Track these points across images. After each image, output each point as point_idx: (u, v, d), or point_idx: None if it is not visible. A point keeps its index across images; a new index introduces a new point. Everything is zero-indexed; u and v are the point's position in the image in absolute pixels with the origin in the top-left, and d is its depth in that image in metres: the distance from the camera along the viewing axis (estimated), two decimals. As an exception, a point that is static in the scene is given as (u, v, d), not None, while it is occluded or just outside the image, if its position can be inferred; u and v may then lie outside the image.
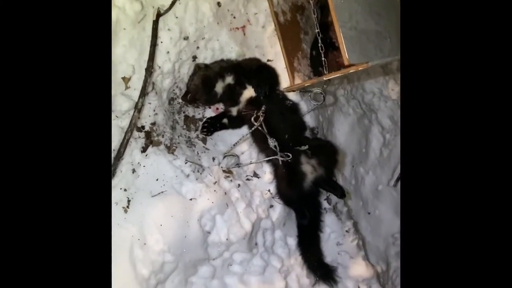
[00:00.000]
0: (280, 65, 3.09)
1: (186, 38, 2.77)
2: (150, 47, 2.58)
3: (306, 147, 2.93)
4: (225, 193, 2.79)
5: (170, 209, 2.55)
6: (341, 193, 3.07)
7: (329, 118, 3.50)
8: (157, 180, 2.61)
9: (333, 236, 3.20)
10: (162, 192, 2.56)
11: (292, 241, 2.98)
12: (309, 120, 3.23)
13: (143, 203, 2.49)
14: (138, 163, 2.58)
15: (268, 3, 3.06)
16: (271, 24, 3.11)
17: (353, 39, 2.46)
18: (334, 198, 3.27)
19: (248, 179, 3.03)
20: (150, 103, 2.70)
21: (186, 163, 2.73)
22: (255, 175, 3.05)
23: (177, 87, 2.92)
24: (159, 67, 2.71)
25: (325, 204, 3.25)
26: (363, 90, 3.86)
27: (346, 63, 2.41)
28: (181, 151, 2.77)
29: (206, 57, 2.93)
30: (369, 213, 3.60)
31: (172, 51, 2.73)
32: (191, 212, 2.61)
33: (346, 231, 3.23)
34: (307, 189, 2.98)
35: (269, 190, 3.03)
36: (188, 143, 2.90)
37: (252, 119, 2.75)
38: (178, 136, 2.87)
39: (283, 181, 2.96)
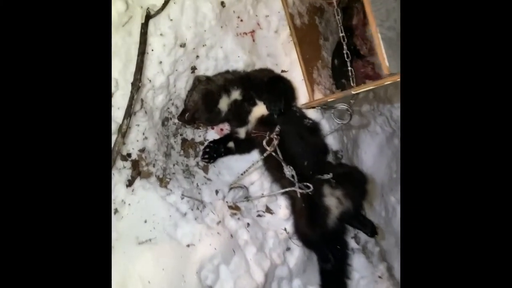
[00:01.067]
0: (296, 76, 2.59)
1: (183, 45, 2.28)
2: (138, 56, 2.10)
3: (330, 175, 2.44)
4: (231, 235, 2.25)
5: (162, 260, 2.03)
6: (371, 230, 2.58)
7: (354, 139, 2.97)
8: (145, 222, 2.10)
9: (363, 283, 2.66)
10: (151, 239, 2.02)
11: (314, 292, 2.46)
12: (332, 142, 2.70)
13: (126, 253, 2.01)
14: (122, 200, 2.09)
15: (282, 3, 2.57)
16: (285, 29, 2.62)
17: (392, 42, 1.95)
18: (363, 236, 2.74)
19: (259, 216, 2.49)
20: (138, 125, 2.21)
21: (182, 198, 2.21)
22: (268, 210, 2.52)
23: (172, 104, 2.42)
24: (150, 80, 2.21)
25: (352, 243, 2.73)
26: (391, 105, 3.36)
27: (386, 72, 1.90)
28: (176, 184, 2.25)
29: (207, 68, 2.44)
30: (403, 252, 3.01)
31: (165, 61, 2.24)
32: (188, 263, 2.09)
33: (379, 276, 2.69)
34: (331, 227, 2.48)
35: (285, 229, 2.50)
36: (186, 172, 2.37)
37: (264, 142, 2.24)
38: (174, 165, 2.35)
39: (302, 218, 2.44)
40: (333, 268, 2.53)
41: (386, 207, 3.08)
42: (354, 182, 2.53)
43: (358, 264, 2.68)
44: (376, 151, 3.07)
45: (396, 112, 3.34)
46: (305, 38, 2.62)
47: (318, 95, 2.56)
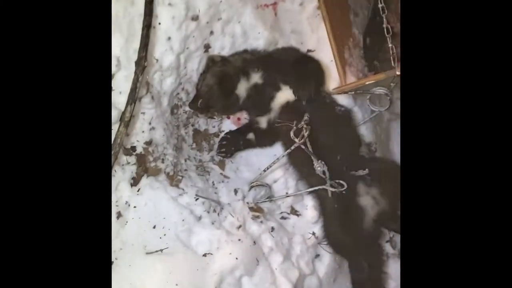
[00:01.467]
0: (325, 57, 2.24)
1: (195, 19, 1.93)
2: (143, 30, 1.77)
3: (366, 171, 2.10)
4: (254, 242, 1.93)
5: (175, 273, 1.73)
6: (411, 233, 2.23)
7: (386, 129, 2.62)
8: (154, 228, 1.78)
9: (400, 292, 2.31)
10: (162, 249, 1.69)
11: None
12: (364, 132, 2.35)
13: (132, 266, 1.73)
14: (126, 202, 1.80)
15: (308, -30, 2.20)
16: (312, 0, 2.27)
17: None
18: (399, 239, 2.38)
19: (283, 218, 2.16)
20: (143, 113, 1.88)
21: (196, 199, 1.89)
22: (294, 211, 2.20)
23: (182, 89, 2.08)
24: (157, 60, 1.88)
25: (387, 247, 2.37)
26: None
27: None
28: (189, 182, 1.93)
29: (223, 47, 2.10)
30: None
31: (175, 37, 1.90)
32: (206, 276, 1.79)
33: (418, 285, 2.33)
34: (366, 230, 2.14)
35: (313, 233, 2.18)
36: (200, 169, 2.05)
37: (292, 133, 1.90)
38: (185, 160, 2.02)
39: (334, 221, 2.14)
40: (367, 277, 2.22)
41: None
42: (392, 179, 2.20)
43: (393, 271, 2.36)
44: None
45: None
46: (335, 12, 2.26)
47: (350, 78, 2.22)
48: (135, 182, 1.81)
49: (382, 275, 2.33)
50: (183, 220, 1.82)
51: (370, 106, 2.21)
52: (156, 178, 1.85)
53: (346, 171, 2.10)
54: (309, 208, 2.21)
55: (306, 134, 1.89)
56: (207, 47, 2.06)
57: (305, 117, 1.97)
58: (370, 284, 2.26)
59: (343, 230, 2.12)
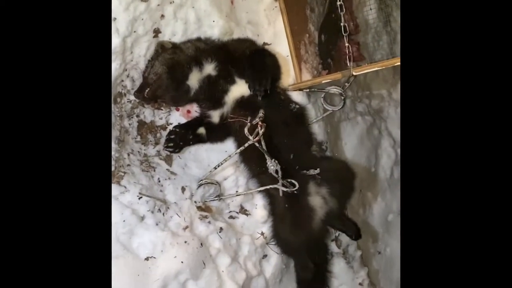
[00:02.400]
0: (281, 51, 2.16)
1: (145, 0, 1.73)
2: (84, 7, 1.52)
3: (317, 171, 2.06)
4: (201, 244, 1.82)
5: (113, 279, 1.53)
6: (356, 233, 2.31)
7: (336, 128, 2.63)
8: (91, 229, 1.57)
9: (343, 290, 2.35)
10: (100, 254, 1.52)
11: (291, 304, 2.12)
12: (317, 131, 2.32)
13: None
14: None
15: (268, -40, 2.11)
16: (269, -8, 2.16)
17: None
18: (345, 238, 2.43)
19: (232, 218, 2.07)
20: (82, 101, 1.64)
21: (140, 198, 1.74)
22: (243, 211, 2.12)
23: (127, 76, 1.89)
24: (99, 42, 1.65)
25: (333, 247, 2.38)
26: (369, 92, 3.06)
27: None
28: (132, 179, 1.77)
29: (175, 33, 1.94)
30: (379, 253, 2.80)
31: (121, 18, 1.72)
32: (148, 281, 1.67)
33: (360, 284, 2.41)
34: (315, 230, 2.11)
35: (261, 233, 2.11)
36: (144, 164, 1.88)
37: (246, 130, 1.79)
38: (128, 155, 1.84)
39: (284, 221, 2.08)
40: (312, 276, 2.21)
41: (364, 203, 2.81)
42: (342, 179, 2.20)
43: (338, 270, 2.40)
44: (356, 142, 2.77)
45: (375, 100, 3.06)
46: (293, 6, 2.20)
47: (305, 75, 2.17)
48: (69, 178, 1.61)
49: (327, 274, 2.34)
50: (124, 220, 1.66)
51: (324, 105, 2.18)
52: (94, 174, 1.66)
53: (297, 170, 2.06)
54: (259, 207, 2.14)
55: (261, 132, 1.80)
56: (157, 31, 1.88)
57: (260, 114, 1.86)
58: (315, 284, 2.27)
59: (291, 230, 2.08)
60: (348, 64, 2.02)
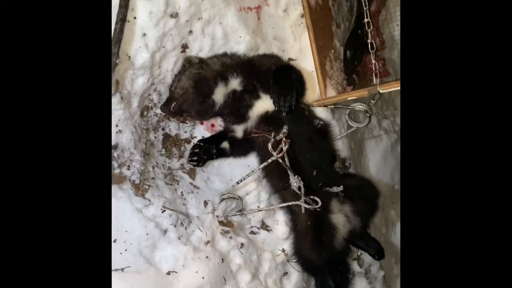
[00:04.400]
0: (306, 67, 2.16)
1: (174, 16, 1.78)
2: (117, 23, 1.59)
3: (341, 188, 2.03)
4: (223, 259, 1.81)
5: None
6: (379, 252, 2.26)
7: (359, 145, 2.59)
8: (115, 241, 1.62)
9: (364, 312, 2.29)
10: (123, 268, 1.53)
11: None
12: (340, 147, 2.30)
13: None
14: None
15: (295, -24, 2.12)
16: (295, 8, 2.20)
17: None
18: (367, 258, 2.37)
19: (253, 233, 2.05)
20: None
21: (163, 211, 1.74)
22: (264, 226, 2.10)
23: (155, 90, 1.92)
24: (129, 57, 1.71)
25: (355, 266, 2.33)
26: (394, 107, 3.02)
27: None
28: (156, 192, 1.78)
29: (202, 48, 1.96)
30: (402, 273, 2.70)
31: (151, 34, 1.74)
32: (169, 296, 1.61)
33: (382, 305, 2.33)
34: (337, 249, 2.08)
35: (282, 250, 2.09)
36: (168, 177, 1.89)
37: (270, 145, 1.77)
38: (153, 167, 1.85)
39: (306, 239, 2.05)
40: (333, 296, 2.17)
41: (387, 223, 2.75)
42: (366, 197, 2.17)
43: (359, 290, 2.33)
44: (379, 159, 2.72)
45: (400, 117, 3.01)
46: (319, 22, 2.19)
47: (330, 91, 2.16)
48: (96, 190, 1.63)
49: (348, 294, 2.29)
50: (147, 234, 1.66)
51: (349, 122, 2.15)
52: (120, 187, 1.67)
53: (320, 187, 2.04)
54: (280, 224, 2.12)
55: (285, 148, 1.79)
56: (184, 47, 1.91)
57: (284, 130, 1.85)
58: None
59: (313, 248, 2.05)
60: (374, 81, 2.00)
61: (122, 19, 1.58)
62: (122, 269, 1.53)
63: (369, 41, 2.01)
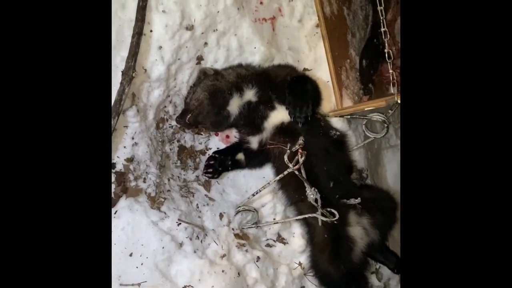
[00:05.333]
0: (321, 77, 2.13)
1: (189, 28, 1.79)
2: (133, 37, 1.60)
3: (358, 200, 2.00)
4: (239, 273, 1.78)
5: None
6: (398, 266, 2.21)
7: (377, 155, 2.55)
8: (130, 255, 1.61)
9: (383, 327, 2.23)
10: (139, 283, 1.52)
11: None
12: (357, 158, 2.26)
13: None
14: None
15: (310, -14, 2.11)
16: (310, 18, 2.18)
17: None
18: (386, 271, 2.31)
19: (269, 246, 2.02)
20: (127, 127, 1.71)
21: (179, 224, 1.72)
22: (280, 239, 2.06)
23: (170, 102, 1.92)
24: (145, 70, 1.71)
25: (373, 279, 2.27)
26: (410, 116, 2.95)
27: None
28: (172, 205, 1.76)
29: (217, 59, 1.96)
30: None
31: (167, 47, 1.75)
32: (185, 311, 1.59)
33: (402, 320, 2.25)
34: (355, 262, 2.03)
35: (299, 263, 2.04)
36: (184, 190, 1.88)
37: (286, 157, 1.75)
38: (169, 180, 1.85)
39: (323, 252, 2.01)
40: (351, 310, 2.11)
41: (405, 234, 2.68)
42: (384, 209, 2.12)
43: (378, 304, 2.27)
44: (397, 170, 2.66)
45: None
46: (334, 32, 2.17)
47: (346, 101, 2.13)
48: (112, 203, 1.63)
49: (367, 310, 2.24)
50: (163, 247, 1.65)
51: (366, 132, 2.12)
52: (136, 200, 1.67)
53: (337, 199, 2.00)
54: (297, 236, 2.08)
55: (301, 160, 1.77)
56: (199, 59, 1.91)
57: (300, 141, 1.83)
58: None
59: (330, 261, 2.01)
60: (392, 90, 1.97)
61: (139, 33, 1.59)
62: (139, 284, 1.52)
63: (386, 50, 1.99)
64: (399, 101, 1.89)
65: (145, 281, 1.54)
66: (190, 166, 1.98)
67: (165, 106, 1.89)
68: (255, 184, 2.01)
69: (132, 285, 1.51)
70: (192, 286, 1.65)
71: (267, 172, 2.05)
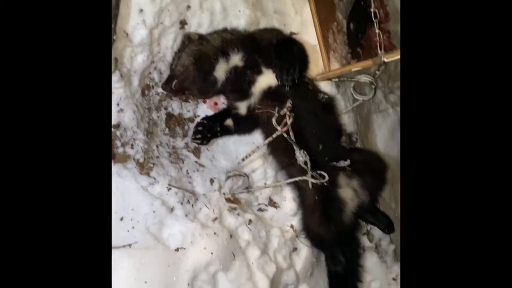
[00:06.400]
0: (308, 40, 2.12)
1: (171, -10, 1.74)
2: (112, -1, 1.54)
3: (348, 162, 2.01)
4: (231, 235, 1.80)
5: (144, 270, 1.57)
6: (388, 225, 2.25)
7: (365, 120, 2.55)
8: (121, 220, 1.62)
9: (375, 285, 2.30)
10: (130, 244, 1.53)
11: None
12: (346, 122, 2.27)
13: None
14: None
15: None
16: (296, -20, 2.12)
17: None
18: (377, 232, 2.35)
19: (260, 210, 2.04)
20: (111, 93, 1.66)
21: (169, 189, 1.74)
22: (272, 203, 2.09)
23: (155, 68, 1.89)
24: (127, 34, 1.69)
25: (364, 241, 2.32)
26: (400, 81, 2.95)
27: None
28: (161, 171, 1.76)
29: (201, 24, 1.93)
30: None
31: (148, 10, 1.72)
32: (178, 272, 1.65)
33: (393, 279, 2.34)
34: (345, 223, 2.06)
35: (291, 226, 2.08)
36: (173, 156, 1.88)
37: (274, 120, 1.76)
38: (157, 146, 1.84)
39: (314, 214, 2.03)
40: (344, 270, 2.15)
41: (396, 198, 2.72)
42: (374, 171, 2.14)
43: (369, 264, 2.32)
44: (387, 134, 2.68)
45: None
46: (320, -6, 2.14)
47: (334, 64, 2.12)
48: (100, 169, 1.62)
49: (359, 268, 2.28)
50: (154, 211, 1.66)
51: (354, 95, 2.12)
52: (124, 166, 1.66)
53: (326, 162, 2.01)
54: (288, 200, 2.10)
55: (289, 122, 1.77)
56: (183, 23, 1.88)
57: (288, 104, 1.83)
58: (347, 278, 2.21)
59: (322, 223, 2.03)
60: (379, 52, 1.96)
61: (118, -5, 1.56)
62: (130, 245, 1.53)
63: (372, 9, 1.97)
64: (386, 60, 1.89)
65: (136, 242, 1.55)
66: (179, 133, 1.97)
67: (150, 73, 1.87)
68: (245, 150, 2.01)
69: (124, 246, 1.52)
70: (184, 248, 1.66)
71: (256, 137, 2.05)
